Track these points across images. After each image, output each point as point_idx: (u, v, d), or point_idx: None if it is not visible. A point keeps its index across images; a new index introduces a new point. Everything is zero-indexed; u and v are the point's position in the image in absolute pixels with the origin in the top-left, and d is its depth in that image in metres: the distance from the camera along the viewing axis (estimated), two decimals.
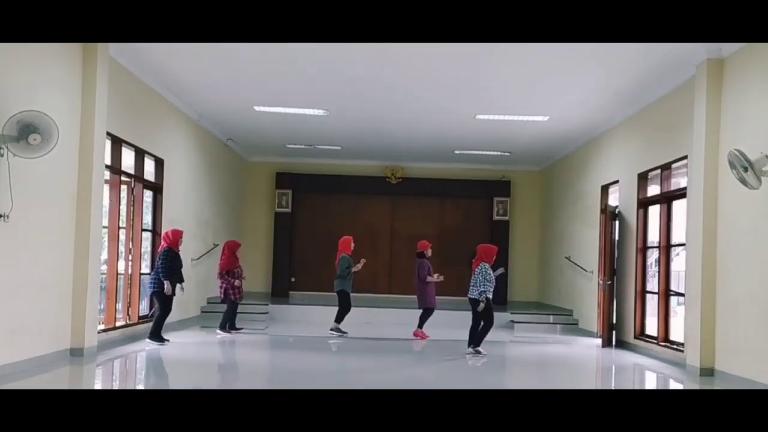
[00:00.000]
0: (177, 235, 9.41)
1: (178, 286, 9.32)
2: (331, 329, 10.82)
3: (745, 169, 6.53)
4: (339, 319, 10.89)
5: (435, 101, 10.64)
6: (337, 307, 10.96)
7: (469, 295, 9.15)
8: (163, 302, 9.27)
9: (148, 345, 9.05)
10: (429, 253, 11.03)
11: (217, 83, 10.08)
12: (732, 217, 7.57)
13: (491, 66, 8.81)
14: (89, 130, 7.86)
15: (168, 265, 9.16)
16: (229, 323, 10.67)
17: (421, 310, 10.91)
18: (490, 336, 10.99)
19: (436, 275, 10.77)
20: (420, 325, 10.84)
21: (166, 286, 9.12)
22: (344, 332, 10.78)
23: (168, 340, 9.27)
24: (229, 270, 10.59)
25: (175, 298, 9.41)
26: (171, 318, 10.74)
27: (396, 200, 16.58)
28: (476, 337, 9.17)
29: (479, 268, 9.08)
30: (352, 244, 11.22)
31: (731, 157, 6.66)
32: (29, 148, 6.22)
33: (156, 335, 9.18)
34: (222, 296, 10.71)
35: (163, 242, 9.45)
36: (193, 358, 8.80)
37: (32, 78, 6.90)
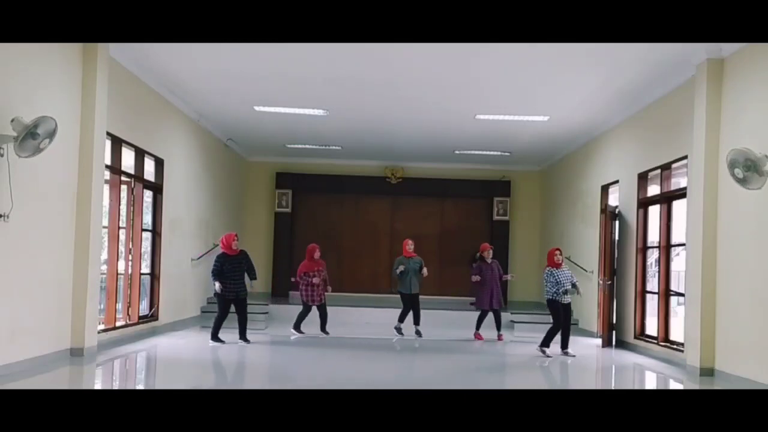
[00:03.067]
0: (229, 239, 9.68)
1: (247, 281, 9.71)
2: (395, 327, 11.06)
3: (748, 168, 6.50)
4: (401, 318, 11.10)
5: (435, 101, 10.64)
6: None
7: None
8: (217, 304, 9.65)
9: (210, 344, 9.43)
10: (486, 254, 11.03)
11: (217, 83, 10.07)
12: (732, 217, 7.57)
13: (491, 66, 8.81)
14: (89, 130, 7.86)
15: (217, 268, 9.46)
16: (296, 324, 10.88)
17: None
18: (491, 336, 11.00)
19: (509, 275, 11.17)
20: (477, 327, 11.02)
21: (217, 286, 9.42)
22: (402, 334, 11.02)
23: (224, 341, 9.46)
24: (306, 272, 10.77)
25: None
26: (171, 318, 10.80)
27: (396, 200, 16.57)
28: (544, 337, 9.42)
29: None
30: (407, 246, 11.15)
31: (735, 155, 6.61)
32: (31, 148, 6.23)
33: (214, 336, 9.51)
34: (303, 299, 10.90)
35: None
36: (193, 358, 8.80)
37: (32, 78, 6.90)
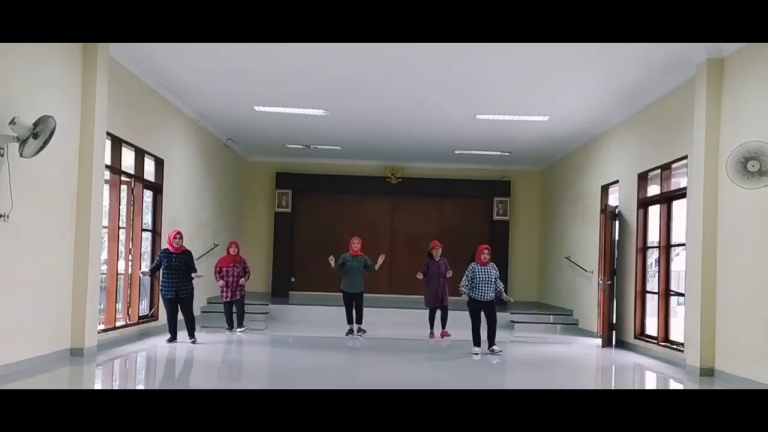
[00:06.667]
0: (170, 235, 9.67)
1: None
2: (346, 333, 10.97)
3: (762, 164, 6.48)
4: (349, 320, 11.00)
5: (435, 101, 10.64)
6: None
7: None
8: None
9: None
10: (434, 252, 11.03)
11: (217, 83, 10.07)
12: (732, 217, 7.57)
13: (491, 66, 8.81)
14: (89, 130, 7.86)
15: (156, 263, 9.62)
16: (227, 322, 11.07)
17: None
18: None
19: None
20: (431, 326, 11.03)
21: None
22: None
23: (177, 340, 9.51)
24: (222, 268, 11.00)
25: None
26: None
27: (396, 200, 16.58)
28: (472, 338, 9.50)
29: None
30: (353, 244, 11.11)
31: (749, 148, 6.53)
32: (32, 148, 6.24)
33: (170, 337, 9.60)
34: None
35: None
36: (193, 358, 8.79)
37: (32, 78, 6.90)
